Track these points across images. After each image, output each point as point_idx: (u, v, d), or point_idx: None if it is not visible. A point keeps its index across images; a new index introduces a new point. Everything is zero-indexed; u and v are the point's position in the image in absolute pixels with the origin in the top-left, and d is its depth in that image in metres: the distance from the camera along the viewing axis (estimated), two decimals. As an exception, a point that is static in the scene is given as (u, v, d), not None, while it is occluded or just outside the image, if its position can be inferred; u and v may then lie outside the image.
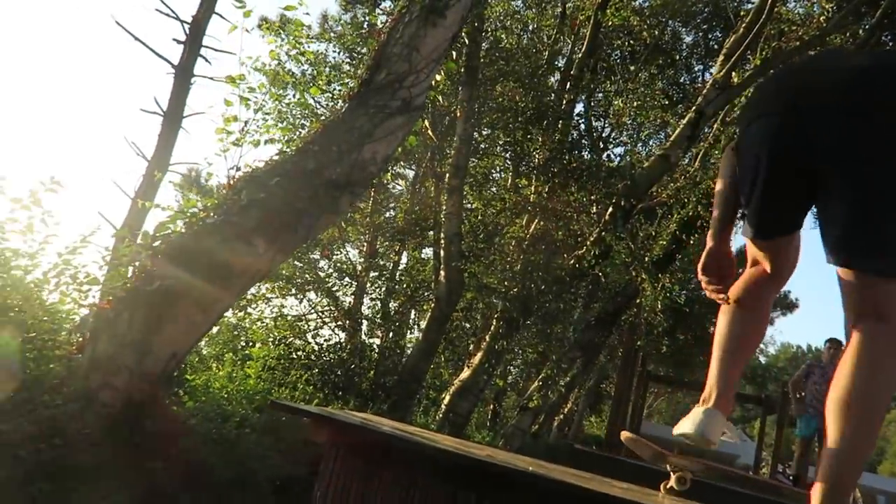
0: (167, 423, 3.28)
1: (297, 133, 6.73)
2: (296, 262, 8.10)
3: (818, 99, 1.74)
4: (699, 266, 2.17)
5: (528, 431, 12.34)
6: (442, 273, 8.40)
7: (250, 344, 6.99)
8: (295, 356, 7.53)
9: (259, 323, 8.29)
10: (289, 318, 8.62)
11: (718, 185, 2.14)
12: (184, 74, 6.10)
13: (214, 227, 3.44)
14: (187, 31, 6.05)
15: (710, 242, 2.13)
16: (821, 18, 11.55)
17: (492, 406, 15.48)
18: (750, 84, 9.67)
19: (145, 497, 3.00)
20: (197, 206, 3.76)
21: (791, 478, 7.74)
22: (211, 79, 6.23)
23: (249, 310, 8.29)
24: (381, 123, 4.12)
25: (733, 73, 10.11)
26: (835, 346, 7.39)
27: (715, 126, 11.45)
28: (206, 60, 6.21)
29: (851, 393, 1.68)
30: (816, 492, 1.65)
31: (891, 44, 13.03)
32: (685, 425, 1.97)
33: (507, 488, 2.19)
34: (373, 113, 4.12)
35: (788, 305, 33.40)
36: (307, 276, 8.79)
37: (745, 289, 2.09)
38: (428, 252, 10.29)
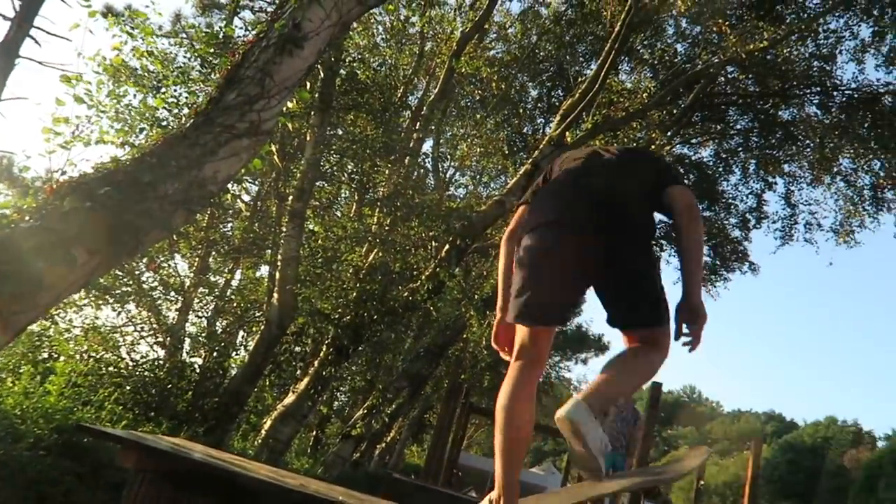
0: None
1: (134, 137, 6.38)
2: (116, 272, 7.58)
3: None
4: (493, 339, 2.62)
5: (348, 459, 12.33)
6: (275, 295, 8.27)
7: (54, 357, 6.41)
8: (105, 371, 7.00)
9: (67, 333, 7.59)
10: (102, 330, 7.99)
11: (503, 265, 2.61)
12: (7, 53, 5.61)
13: (29, 232, 3.21)
14: (17, 8, 5.58)
15: (498, 315, 2.56)
16: (644, 95, 13.00)
17: (314, 433, 15.24)
18: (581, 143, 10.62)
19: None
20: (9, 207, 3.47)
21: None
22: (40, 63, 5.78)
23: (57, 318, 7.57)
24: (225, 143, 4.08)
25: (567, 133, 11.06)
26: None
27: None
28: (36, 42, 5.76)
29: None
30: (582, 394, 2.32)
31: (699, 123, 14.95)
32: None
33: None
34: (218, 132, 4.07)
35: (601, 347, 36.29)
36: (128, 286, 8.23)
37: (525, 390, 2.40)
38: (263, 272, 10.06)
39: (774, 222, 14.50)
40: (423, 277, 9.28)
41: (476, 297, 10.22)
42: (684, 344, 2.35)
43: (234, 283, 10.54)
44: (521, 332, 2.43)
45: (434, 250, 10.44)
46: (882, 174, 12.68)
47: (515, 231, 2.64)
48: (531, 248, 2.43)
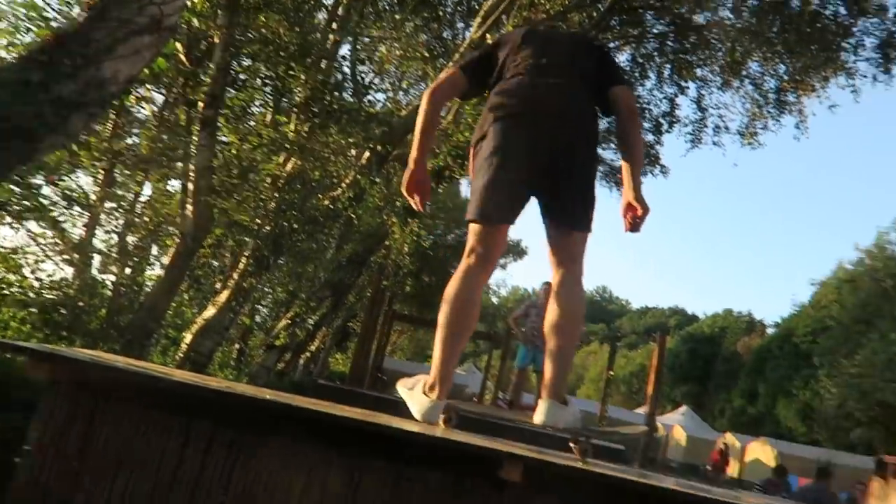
0: None
1: (20, 38, 5.77)
2: (13, 187, 7.03)
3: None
4: (404, 187, 2.70)
5: (273, 370, 12.39)
6: (189, 207, 7.94)
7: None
8: (8, 293, 6.62)
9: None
10: (1, 250, 7.49)
11: (422, 120, 2.67)
12: None
13: None
14: None
15: (411, 166, 2.61)
16: (565, -4, 12.81)
17: (237, 346, 15.16)
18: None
19: None
20: None
21: (507, 402, 8.84)
22: None
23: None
24: (124, 40, 3.76)
25: (487, 35, 10.83)
26: (548, 286, 8.45)
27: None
28: None
29: (562, 316, 2.51)
30: (547, 392, 2.52)
31: (618, 27, 14.96)
32: (415, 410, 2.56)
33: (244, 416, 2.29)
34: (115, 27, 3.74)
35: (519, 252, 37.31)
36: (26, 202, 7.68)
37: (471, 284, 2.54)
38: (175, 185, 9.60)
39: (686, 126, 14.95)
40: (344, 185, 9.12)
41: (398, 204, 10.17)
42: (632, 230, 2.62)
43: (144, 197, 10.02)
44: (474, 229, 2.53)
45: (354, 158, 10.24)
46: (786, 78, 13.18)
47: (438, 90, 2.70)
48: (494, 147, 2.48)
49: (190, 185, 8.06)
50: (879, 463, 8.90)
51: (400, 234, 10.46)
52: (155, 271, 8.86)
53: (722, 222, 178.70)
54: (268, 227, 8.72)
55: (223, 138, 9.01)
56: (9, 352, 2.42)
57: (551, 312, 2.55)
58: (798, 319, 38.60)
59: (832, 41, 11.90)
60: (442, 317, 2.49)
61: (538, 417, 2.53)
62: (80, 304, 7.25)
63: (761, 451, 22.35)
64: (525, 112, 2.49)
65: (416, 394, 2.58)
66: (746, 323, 53.88)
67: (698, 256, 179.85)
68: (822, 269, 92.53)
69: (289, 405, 2.25)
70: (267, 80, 9.70)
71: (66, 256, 8.70)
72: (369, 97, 11.84)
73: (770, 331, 48.19)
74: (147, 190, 10.09)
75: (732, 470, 22.84)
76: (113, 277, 8.24)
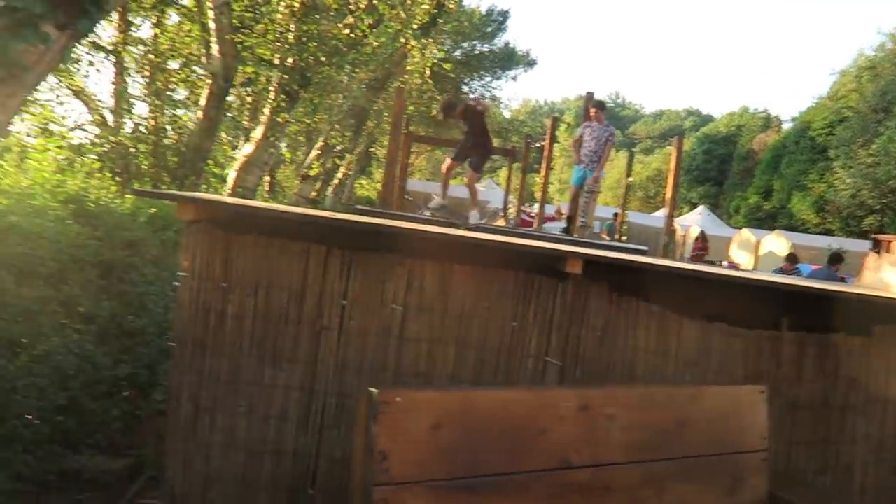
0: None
1: None
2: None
3: None
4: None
5: (308, 198, 13.02)
6: (214, 47, 8.02)
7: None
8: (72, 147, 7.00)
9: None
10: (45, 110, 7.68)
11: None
12: None
13: (-2, 13, 3.15)
14: None
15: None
16: None
17: (268, 178, 15.70)
18: None
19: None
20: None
21: (567, 217, 9.20)
22: None
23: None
24: None
25: None
26: (597, 106, 8.42)
27: None
28: None
29: None
30: None
31: None
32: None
33: (352, 237, 2.80)
34: None
35: (529, 63, 36.26)
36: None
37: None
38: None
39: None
40: (361, 11, 9.02)
41: (415, 26, 10.06)
42: None
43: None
44: None
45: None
46: None
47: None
48: None
49: (210, 24, 8.07)
50: (875, 242, 9.72)
51: (420, 56, 10.44)
52: (189, 112, 9.05)
53: (738, 14, 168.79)
54: (291, 60, 8.79)
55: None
56: (159, 198, 2.88)
57: None
58: (815, 112, 38.00)
59: None
60: None
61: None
62: (132, 149, 7.64)
63: (776, 244, 23.20)
64: None
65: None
66: (763, 120, 53.13)
67: (713, 53, 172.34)
68: (843, 60, 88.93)
69: (394, 228, 2.73)
70: None
71: (100, 107, 8.91)
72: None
73: (786, 126, 47.69)
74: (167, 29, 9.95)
75: (731, 260, 23.92)
76: (151, 123, 8.50)
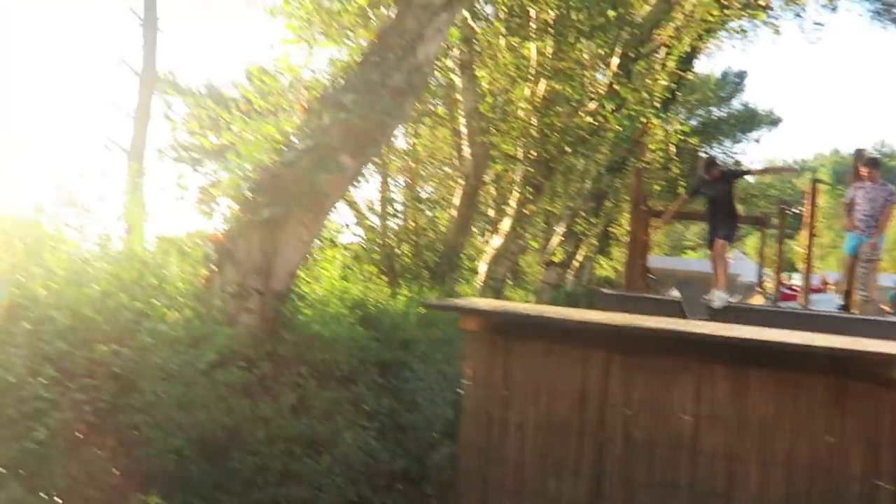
0: (298, 334, 3.71)
1: (344, 38, 6.59)
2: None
3: None
4: None
5: (552, 284, 13.07)
6: (466, 149, 8.61)
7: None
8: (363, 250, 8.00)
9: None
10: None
11: None
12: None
13: (305, 151, 3.68)
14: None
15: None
16: None
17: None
18: None
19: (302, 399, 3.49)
20: (273, 132, 3.96)
21: (844, 293, 8.15)
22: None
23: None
24: (428, 23, 4.23)
25: None
26: (870, 164, 7.35)
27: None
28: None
29: None
30: None
31: None
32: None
33: (634, 344, 2.66)
34: (419, 13, 4.21)
35: (772, 121, 33.72)
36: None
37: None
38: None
39: None
40: (602, 98, 9.10)
41: (655, 104, 9.88)
42: None
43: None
44: None
45: (604, 67, 10.08)
46: None
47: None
48: None
49: (462, 129, 8.71)
50: None
51: (662, 132, 10.19)
52: (442, 211, 9.72)
53: None
54: (534, 153, 9.09)
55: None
56: (445, 310, 3.09)
57: None
58: None
59: None
60: None
61: None
62: (395, 249, 8.38)
63: None
64: None
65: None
66: None
67: None
68: None
69: (680, 331, 2.57)
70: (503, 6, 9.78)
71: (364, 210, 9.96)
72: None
73: None
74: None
75: None
76: (410, 224, 9.28)
